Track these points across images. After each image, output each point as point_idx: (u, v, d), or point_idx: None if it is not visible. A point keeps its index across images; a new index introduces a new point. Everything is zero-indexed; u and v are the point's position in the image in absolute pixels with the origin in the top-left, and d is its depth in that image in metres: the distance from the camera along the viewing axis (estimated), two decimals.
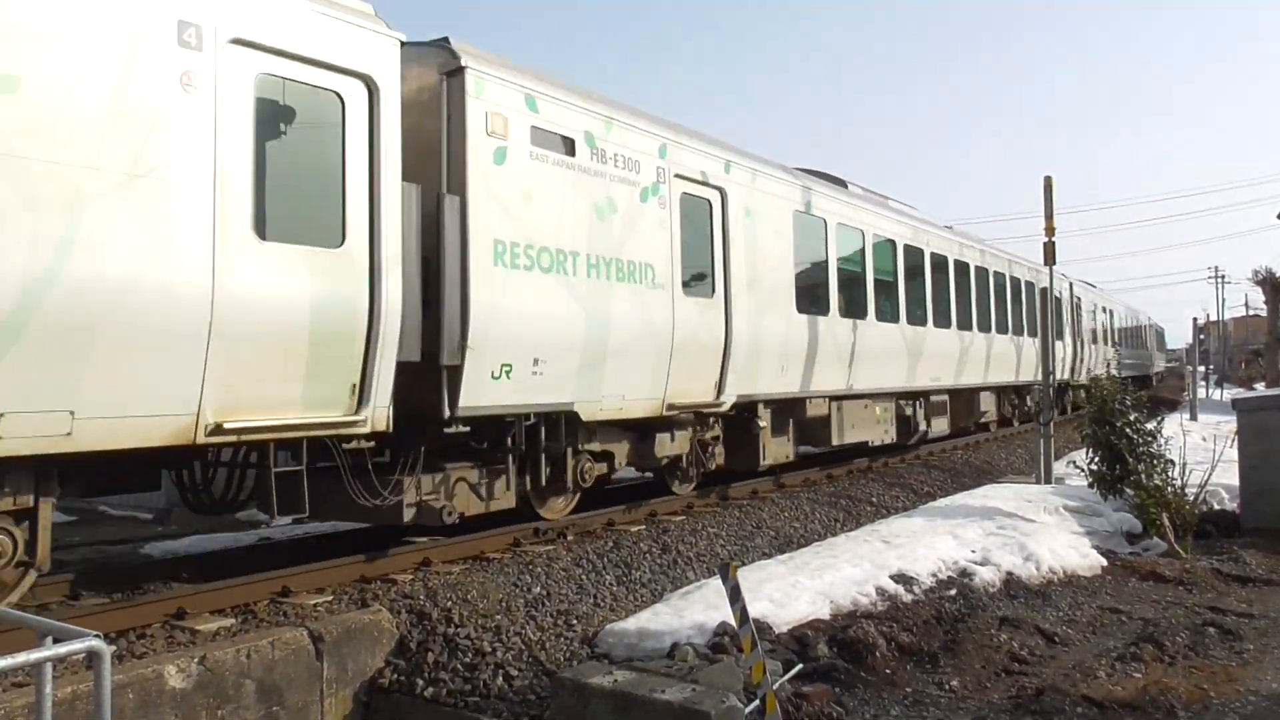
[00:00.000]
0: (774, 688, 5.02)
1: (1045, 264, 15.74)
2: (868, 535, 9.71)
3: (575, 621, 7.01)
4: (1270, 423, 11.09)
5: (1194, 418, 25.94)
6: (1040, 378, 21.34)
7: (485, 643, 6.40)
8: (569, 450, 8.84)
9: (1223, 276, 74.33)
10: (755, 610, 6.08)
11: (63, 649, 3.22)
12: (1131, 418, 11.43)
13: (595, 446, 9.31)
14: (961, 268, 17.76)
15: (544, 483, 8.63)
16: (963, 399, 18.47)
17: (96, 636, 3.21)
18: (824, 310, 12.58)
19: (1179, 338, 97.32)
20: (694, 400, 10.02)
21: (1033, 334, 21.78)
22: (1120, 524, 10.81)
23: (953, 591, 7.97)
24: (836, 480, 13.77)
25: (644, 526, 9.76)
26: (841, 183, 14.55)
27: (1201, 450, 13.42)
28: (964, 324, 17.56)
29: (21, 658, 3.13)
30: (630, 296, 9.02)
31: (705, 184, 10.34)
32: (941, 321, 16.42)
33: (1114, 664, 6.42)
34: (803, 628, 6.78)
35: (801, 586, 7.55)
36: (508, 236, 7.72)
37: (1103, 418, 11.54)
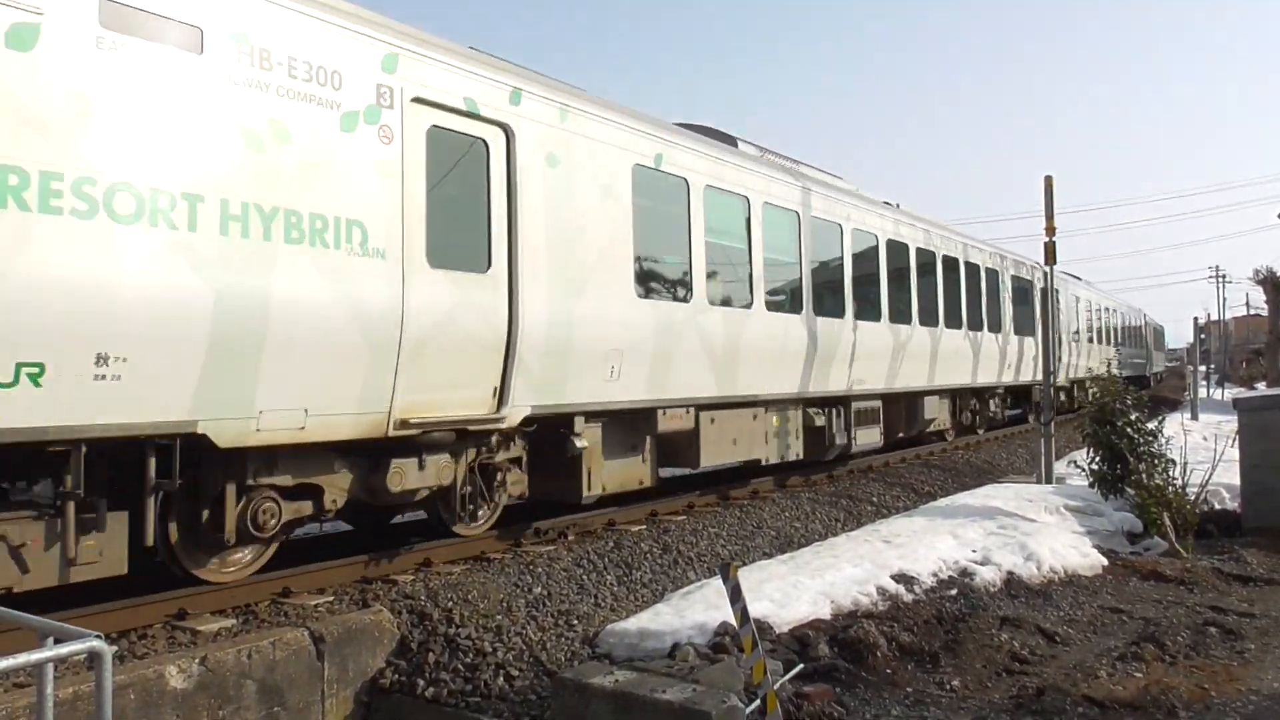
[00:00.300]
0: (775, 687, 5.02)
1: (1045, 264, 15.71)
2: (868, 535, 9.71)
3: (576, 622, 7.01)
4: (1271, 422, 11.10)
5: (1195, 417, 25.96)
6: (1002, 379, 21.00)
7: (486, 643, 6.40)
8: (230, 488, 6.46)
9: (1223, 276, 74.48)
10: (756, 610, 6.09)
11: (64, 649, 3.21)
12: (1132, 417, 11.46)
13: (285, 480, 6.78)
14: (898, 250, 15.14)
15: (153, 540, 6.10)
16: (900, 405, 15.72)
17: (98, 637, 3.20)
18: (684, 296, 10.03)
19: (1180, 337, 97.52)
20: (453, 414, 7.46)
21: (995, 329, 19.29)
22: (1121, 523, 10.81)
23: (953, 591, 7.97)
24: (837, 480, 13.78)
25: (645, 527, 9.77)
26: (730, 140, 12.16)
27: (1202, 450, 13.45)
28: (900, 317, 14.88)
29: (23, 658, 3.12)
30: (313, 266, 6.47)
31: (474, 117, 7.71)
32: (867, 314, 13.88)
33: (1115, 663, 6.42)
34: (804, 627, 6.79)
35: (802, 586, 7.55)
36: (34, 163, 5.18)
37: (1104, 417, 11.56)
